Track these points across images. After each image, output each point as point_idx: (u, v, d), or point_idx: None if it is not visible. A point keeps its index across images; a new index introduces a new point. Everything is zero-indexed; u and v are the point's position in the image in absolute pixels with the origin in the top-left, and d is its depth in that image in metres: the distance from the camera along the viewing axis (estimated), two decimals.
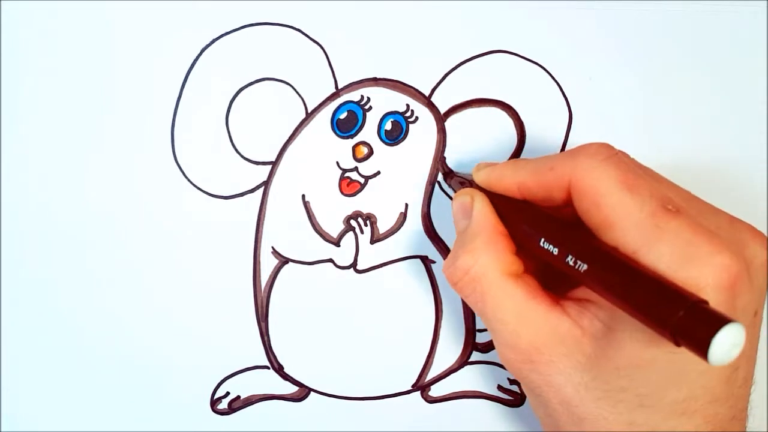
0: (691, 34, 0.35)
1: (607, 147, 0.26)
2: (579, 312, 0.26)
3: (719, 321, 0.19)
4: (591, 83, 0.34)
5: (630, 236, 0.23)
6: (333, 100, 0.33)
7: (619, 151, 0.26)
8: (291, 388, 0.34)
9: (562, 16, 0.34)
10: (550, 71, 0.34)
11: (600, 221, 0.24)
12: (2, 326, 0.32)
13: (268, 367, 0.34)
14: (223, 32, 0.32)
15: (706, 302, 0.21)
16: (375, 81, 0.33)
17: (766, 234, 0.27)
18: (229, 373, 0.33)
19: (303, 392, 0.34)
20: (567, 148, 0.34)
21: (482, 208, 0.28)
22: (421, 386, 0.34)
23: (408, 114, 0.33)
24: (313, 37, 0.33)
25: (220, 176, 0.33)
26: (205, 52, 0.32)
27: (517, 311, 0.26)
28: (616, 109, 0.35)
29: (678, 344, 0.20)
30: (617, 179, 0.24)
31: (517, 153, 0.34)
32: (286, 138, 0.33)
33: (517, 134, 0.34)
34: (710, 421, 0.25)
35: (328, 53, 0.33)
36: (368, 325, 0.34)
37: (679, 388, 0.24)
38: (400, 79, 0.33)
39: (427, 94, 0.34)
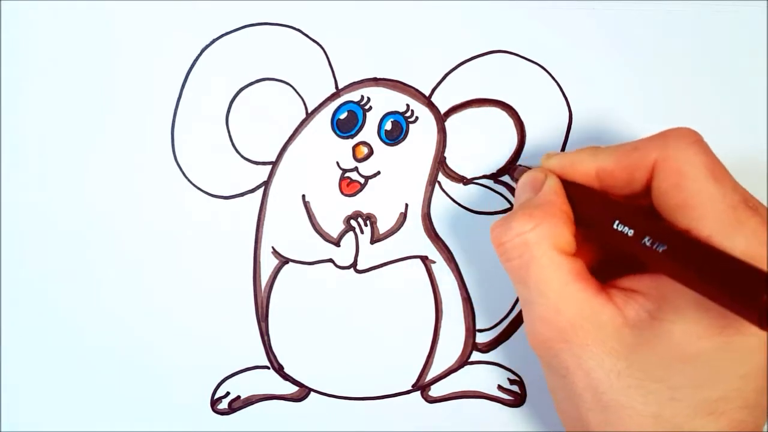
0: (691, 34, 0.35)
1: (693, 132, 0.26)
2: (625, 301, 0.26)
3: None
4: (591, 83, 0.34)
5: (708, 222, 0.24)
6: (333, 100, 0.33)
7: (703, 137, 0.26)
8: (291, 388, 0.34)
9: (562, 16, 0.34)
10: (550, 71, 0.34)
11: (679, 203, 0.25)
12: (2, 326, 0.32)
13: (268, 367, 0.34)
14: (223, 32, 0.32)
15: None
16: (375, 81, 0.33)
17: None
18: (229, 373, 0.33)
19: (303, 392, 0.34)
20: (567, 148, 0.34)
21: (554, 184, 0.28)
22: (421, 386, 0.34)
23: (408, 114, 0.33)
24: (313, 37, 0.33)
25: (220, 176, 0.33)
26: (205, 52, 0.32)
27: (562, 287, 0.26)
28: (616, 109, 0.35)
29: (763, 326, 0.20)
30: (705, 165, 0.25)
31: (517, 153, 0.34)
32: (286, 138, 0.33)
33: (517, 134, 0.34)
34: (735, 426, 0.24)
35: (328, 53, 0.33)
36: (368, 325, 0.34)
37: (714, 387, 0.24)
38: (400, 79, 0.33)
39: (427, 94, 0.34)
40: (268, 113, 0.33)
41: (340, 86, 0.33)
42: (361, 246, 0.33)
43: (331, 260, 0.34)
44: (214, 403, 0.33)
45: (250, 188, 0.33)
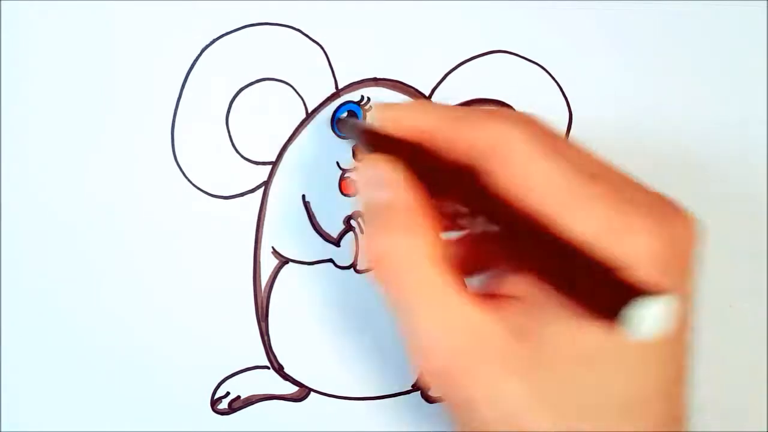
0: (691, 34, 0.35)
1: (525, 113, 0.24)
2: (506, 310, 0.23)
3: (649, 291, 0.18)
4: (591, 83, 0.34)
5: (550, 202, 0.21)
6: (333, 100, 0.33)
7: (536, 116, 0.24)
8: (291, 388, 0.34)
9: (562, 16, 0.34)
10: (550, 71, 0.34)
11: (516, 185, 0.22)
12: (2, 326, 0.32)
13: (268, 367, 0.34)
14: (223, 32, 0.32)
15: (634, 273, 0.19)
16: (375, 81, 0.33)
17: None
18: (229, 373, 0.33)
19: (303, 392, 0.34)
20: None
21: (395, 177, 0.23)
22: (421, 386, 0.34)
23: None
24: (313, 37, 0.33)
25: (220, 176, 0.33)
26: (205, 52, 0.32)
27: (438, 304, 0.22)
28: (616, 109, 0.35)
29: (603, 315, 0.18)
30: (536, 141, 0.22)
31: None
32: (286, 138, 0.33)
33: None
34: (654, 421, 0.22)
35: (328, 53, 0.33)
36: (368, 325, 0.34)
37: (622, 385, 0.22)
38: (400, 79, 0.33)
39: (427, 94, 0.34)
40: (268, 113, 0.33)
41: (340, 86, 0.33)
42: (361, 246, 0.33)
43: (331, 260, 0.34)
44: (214, 403, 0.33)
45: (250, 188, 0.33)
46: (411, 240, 0.23)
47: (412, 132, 0.24)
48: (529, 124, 0.23)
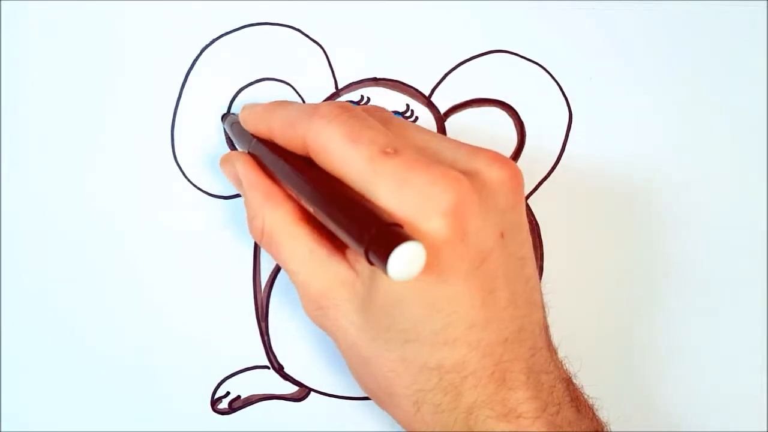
0: (691, 34, 0.35)
1: (337, 105, 0.26)
2: (355, 257, 0.27)
3: (398, 238, 0.21)
4: (591, 83, 0.34)
5: (356, 185, 0.24)
6: (333, 100, 0.33)
7: (353, 108, 0.26)
8: (291, 388, 0.34)
9: (562, 16, 0.34)
10: (550, 71, 0.34)
11: (334, 172, 0.25)
12: (2, 326, 0.32)
13: (268, 367, 0.34)
14: (223, 32, 0.32)
15: (398, 225, 0.22)
16: (375, 81, 0.33)
17: None
18: (230, 373, 0.33)
19: (303, 392, 0.34)
20: (567, 148, 0.34)
21: (244, 169, 0.29)
22: None
23: (408, 114, 0.33)
24: (313, 37, 0.33)
25: (220, 176, 0.33)
26: (205, 52, 0.32)
27: (305, 259, 0.27)
28: (616, 109, 0.35)
29: (370, 262, 0.22)
30: (343, 134, 0.25)
31: (517, 153, 0.34)
32: None
33: (517, 134, 0.34)
34: (476, 347, 0.25)
35: (328, 53, 0.33)
36: None
37: (433, 319, 0.25)
38: (400, 79, 0.33)
39: (427, 94, 0.34)
40: None
41: (340, 86, 0.33)
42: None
43: None
44: (214, 403, 0.33)
45: None
46: (274, 210, 0.28)
47: (260, 132, 0.29)
48: (336, 119, 0.25)
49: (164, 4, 0.32)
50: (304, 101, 0.33)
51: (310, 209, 0.25)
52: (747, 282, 0.36)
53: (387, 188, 0.24)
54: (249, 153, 0.29)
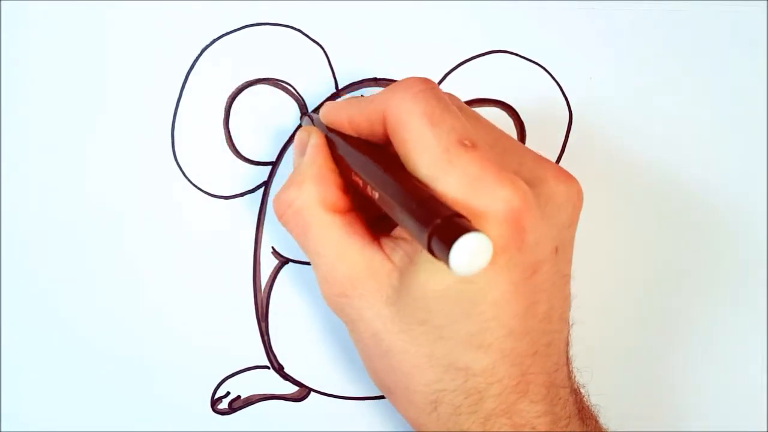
0: (691, 34, 0.35)
1: (422, 81, 0.26)
2: (393, 248, 0.26)
3: (464, 229, 0.20)
4: (591, 83, 0.34)
5: (425, 168, 0.24)
6: (333, 100, 0.33)
7: (435, 85, 0.26)
8: (291, 388, 0.34)
9: (562, 16, 0.34)
10: (550, 71, 0.34)
11: (404, 153, 0.25)
12: (2, 326, 0.32)
13: (268, 367, 0.34)
14: (223, 32, 0.32)
15: (462, 216, 0.22)
16: (375, 81, 0.33)
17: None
18: (230, 373, 0.33)
19: (303, 392, 0.34)
20: (567, 148, 0.34)
21: (316, 143, 0.28)
22: None
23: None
24: (313, 37, 0.33)
25: (220, 176, 0.33)
26: (205, 52, 0.32)
27: (335, 245, 0.27)
28: (616, 109, 0.35)
29: (431, 251, 0.21)
30: (423, 113, 0.24)
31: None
32: (287, 138, 0.33)
33: (517, 134, 0.34)
34: (508, 355, 0.25)
35: (328, 53, 0.33)
36: None
37: (473, 320, 0.24)
38: (399, 79, 0.33)
39: None
40: (268, 113, 0.33)
41: (340, 86, 0.33)
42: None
43: None
44: (214, 403, 0.33)
45: (250, 188, 0.33)
46: (310, 193, 0.27)
47: (340, 122, 0.28)
48: (419, 94, 0.25)
49: (164, 4, 0.32)
50: (304, 101, 0.33)
51: (375, 194, 0.25)
52: (747, 282, 0.36)
53: (457, 181, 0.23)
54: (326, 136, 0.29)
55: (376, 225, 0.28)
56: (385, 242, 0.27)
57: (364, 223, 0.27)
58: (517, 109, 0.34)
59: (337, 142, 0.28)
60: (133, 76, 0.32)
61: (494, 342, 0.25)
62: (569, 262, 0.27)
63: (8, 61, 0.32)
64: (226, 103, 0.33)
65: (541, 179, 0.25)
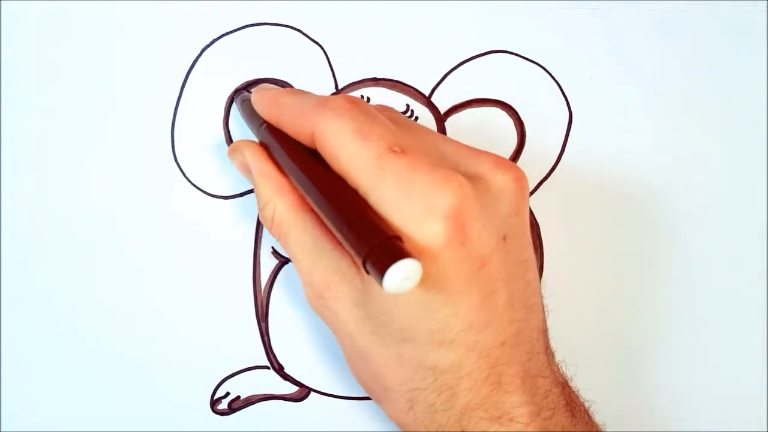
0: (691, 34, 0.35)
1: (347, 100, 0.26)
2: None
3: (396, 254, 0.21)
4: (591, 83, 0.34)
5: (360, 181, 0.24)
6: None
7: (364, 103, 0.26)
8: (291, 388, 0.34)
9: (562, 16, 0.34)
10: (550, 71, 0.34)
11: (338, 169, 0.25)
12: (2, 326, 0.32)
13: (268, 367, 0.34)
14: (223, 32, 0.32)
15: (398, 238, 0.22)
16: (375, 81, 0.33)
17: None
18: (229, 374, 0.33)
19: (303, 392, 0.34)
20: (567, 148, 0.34)
21: (254, 158, 0.29)
22: None
23: (408, 114, 0.33)
24: (313, 37, 0.33)
25: (220, 176, 0.33)
26: (205, 52, 0.32)
27: (310, 248, 0.27)
28: (616, 109, 0.35)
29: (367, 272, 0.22)
30: (352, 129, 0.25)
31: (517, 153, 0.34)
32: None
33: (517, 134, 0.34)
34: (473, 348, 0.25)
35: (328, 53, 0.33)
36: None
37: (431, 320, 0.25)
38: (400, 79, 0.33)
39: (427, 94, 0.34)
40: None
41: (340, 86, 0.33)
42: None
43: None
44: (214, 403, 0.33)
45: (250, 188, 0.33)
46: (281, 200, 0.28)
47: (270, 116, 0.28)
48: (345, 114, 0.25)
49: (164, 4, 0.32)
50: None
51: (314, 207, 0.26)
52: (747, 282, 0.36)
53: (391, 187, 0.24)
54: (258, 142, 0.29)
55: None
56: None
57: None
58: (517, 109, 0.34)
59: (271, 145, 0.28)
60: (133, 76, 0.32)
61: (456, 337, 0.25)
62: (525, 247, 0.27)
63: (8, 61, 0.32)
64: (226, 103, 0.33)
65: (479, 172, 0.26)
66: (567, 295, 0.34)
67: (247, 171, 0.30)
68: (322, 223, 0.27)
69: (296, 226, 0.27)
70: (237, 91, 0.32)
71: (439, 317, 0.25)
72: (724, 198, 0.35)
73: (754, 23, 0.35)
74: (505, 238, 0.25)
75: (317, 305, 0.28)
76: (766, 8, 0.35)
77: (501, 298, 0.25)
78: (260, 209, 0.29)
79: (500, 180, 0.26)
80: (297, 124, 0.27)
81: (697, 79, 0.35)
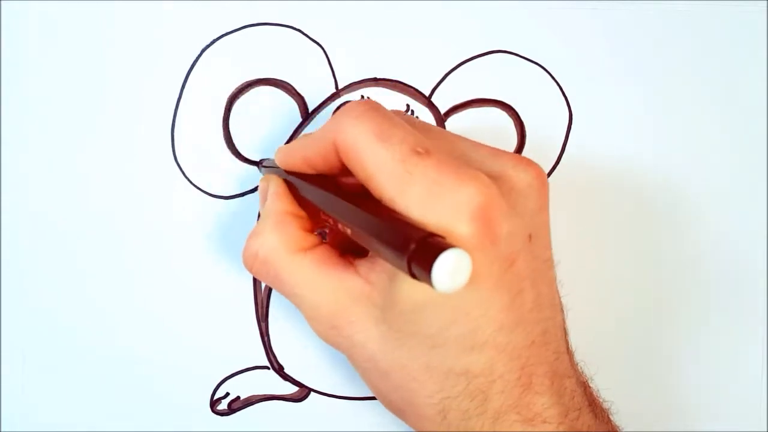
0: (691, 34, 0.35)
1: (362, 103, 0.26)
2: (369, 268, 0.26)
3: (437, 249, 0.20)
4: (591, 83, 0.34)
5: (386, 186, 0.24)
6: (333, 100, 0.33)
7: (377, 104, 0.26)
8: (291, 388, 0.34)
9: (562, 16, 0.34)
10: (550, 71, 0.34)
11: (364, 177, 0.25)
12: (2, 326, 0.32)
13: (268, 368, 0.34)
14: (223, 32, 0.32)
15: (436, 235, 0.22)
16: (375, 81, 0.33)
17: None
18: (229, 374, 0.33)
19: (303, 392, 0.34)
20: (567, 148, 0.34)
21: (274, 191, 0.29)
22: None
23: (408, 114, 0.33)
24: (313, 37, 0.33)
25: (220, 176, 0.33)
26: (205, 52, 0.32)
27: (310, 283, 0.27)
28: (616, 109, 0.35)
29: (414, 277, 0.21)
30: (372, 132, 0.24)
31: (517, 153, 0.34)
32: (287, 138, 0.33)
33: (517, 134, 0.34)
34: (504, 350, 0.25)
35: (328, 53, 0.33)
36: None
37: (461, 323, 0.24)
38: (400, 79, 0.33)
39: (427, 94, 0.34)
40: (268, 113, 0.33)
41: (340, 86, 0.33)
42: None
43: None
44: (214, 403, 0.33)
45: (250, 188, 0.33)
46: (273, 237, 0.27)
47: (295, 163, 0.28)
48: (363, 115, 0.25)
49: (165, 4, 0.32)
50: (304, 101, 0.33)
51: (347, 230, 0.25)
52: (747, 281, 0.36)
53: (420, 190, 0.23)
54: (285, 180, 0.29)
55: (355, 250, 0.28)
56: (361, 264, 0.27)
57: (336, 253, 0.27)
58: (517, 109, 0.34)
59: (298, 184, 0.28)
60: (134, 76, 0.32)
61: (487, 339, 0.24)
62: (548, 246, 0.27)
63: (8, 61, 0.32)
64: (226, 103, 0.33)
65: (501, 171, 0.26)
66: (567, 295, 0.34)
67: (264, 201, 0.29)
68: (325, 254, 0.27)
69: (290, 265, 0.27)
70: (259, 163, 0.33)
71: (470, 320, 0.24)
72: (725, 197, 0.35)
73: (754, 23, 0.35)
74: (530, 237, 0.25)
75: (330, 336, 0.27)
76: (766, 8, 0.35)
77: (528, 298, 0.25)
78: (249, 239, 0.28)
79: (523, 178, 0.26)
80: (319, 146, 0.26)
81: (697, 79, 0.35)
